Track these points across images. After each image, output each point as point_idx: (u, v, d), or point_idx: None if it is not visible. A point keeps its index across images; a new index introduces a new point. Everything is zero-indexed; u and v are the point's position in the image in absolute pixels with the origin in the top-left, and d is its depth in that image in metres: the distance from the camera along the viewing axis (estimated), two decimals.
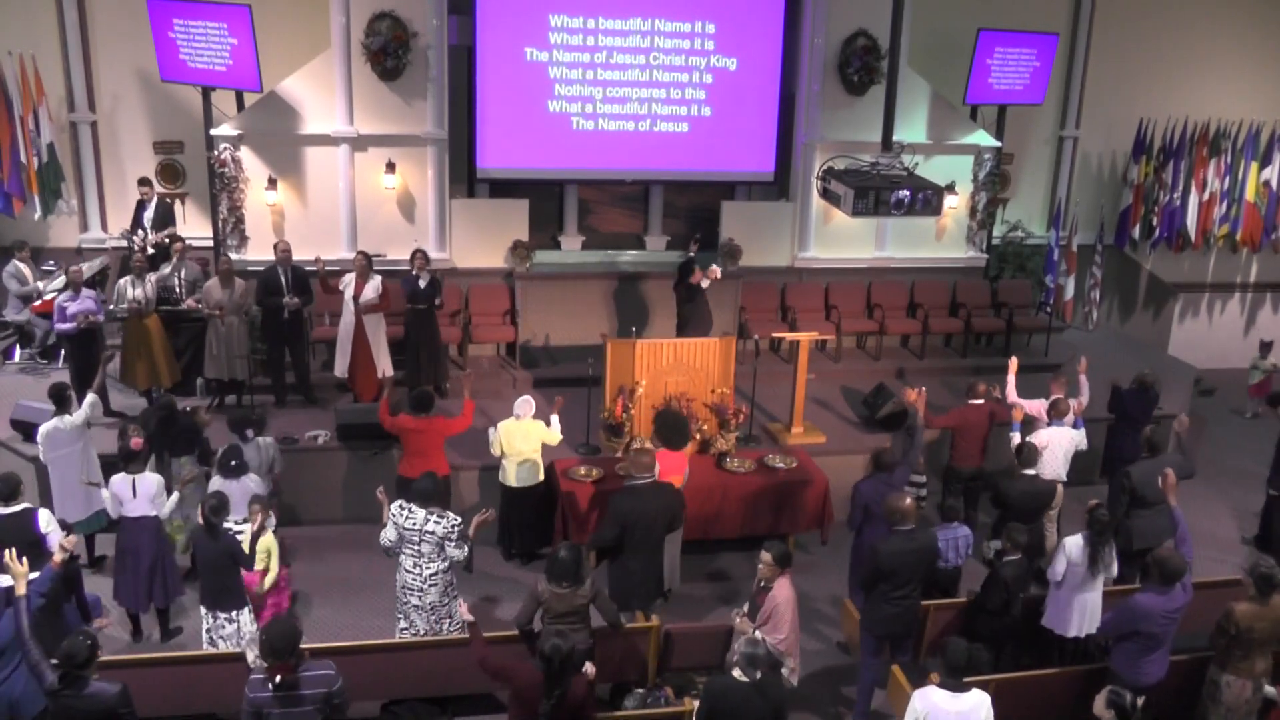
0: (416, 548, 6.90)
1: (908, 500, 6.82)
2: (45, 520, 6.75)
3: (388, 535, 6.94)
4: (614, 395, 9.25)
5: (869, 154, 9.17)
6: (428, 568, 6.92)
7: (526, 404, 8.63)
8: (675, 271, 10.77)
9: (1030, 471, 7.99)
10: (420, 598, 6.97)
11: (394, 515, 6.91)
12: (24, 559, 5.67)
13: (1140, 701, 5.37)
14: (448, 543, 6.87)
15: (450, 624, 7.10)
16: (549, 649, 5.40)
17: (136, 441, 7.53)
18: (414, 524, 6.85)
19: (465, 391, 8.71)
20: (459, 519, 6.95)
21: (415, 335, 10.19)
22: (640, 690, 6.96)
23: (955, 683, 5.56)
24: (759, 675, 5.40)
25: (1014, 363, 9.36)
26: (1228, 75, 14.25)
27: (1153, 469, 7.80)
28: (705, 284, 10.45)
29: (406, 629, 7.06)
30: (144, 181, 11.46)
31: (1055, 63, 13.01)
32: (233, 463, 7.69)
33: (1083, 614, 7.04)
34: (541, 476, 8.76)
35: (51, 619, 6.21)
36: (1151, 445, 8.23)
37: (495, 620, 7.92)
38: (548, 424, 8.66)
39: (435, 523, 6.85)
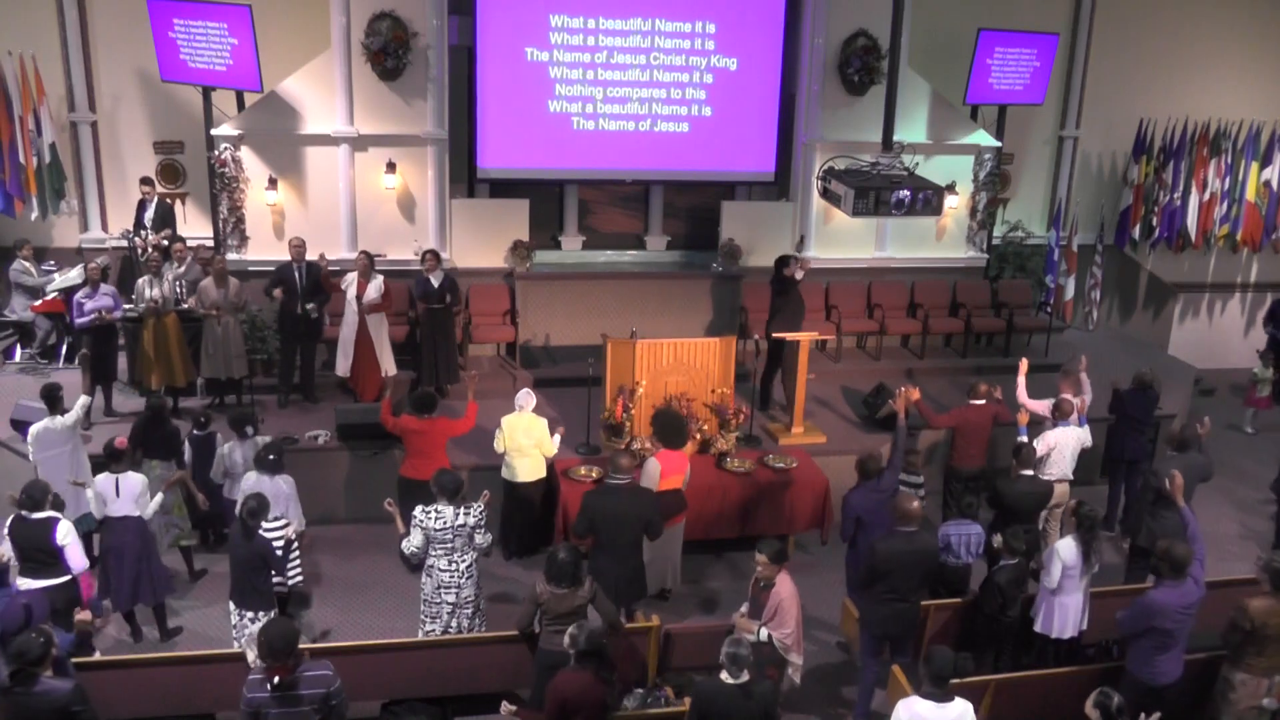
0: (450, 544, 6.91)
1: (915, 503, 6.81)
2: (63, 533, 6.78)
3: (414, 543, 6.90)
4: (614, 395, 9.25)
5: (869, 154, 9.17)
6: (462, 561, 6.97)
7: (528, 396, 8.63)
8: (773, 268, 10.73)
9: (1028, 472, 7.98)
10: (458, 594, 7.00)
11: (420, 521, 6.87)
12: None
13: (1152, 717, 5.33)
14: (477, 531, 6.93)
15: (476, 618, 7.15)
16: (585, 642, 5.44)
17: (121, 441, 7.51)
18: (445, 522, 6.86)
19: (469, 393, 8.70)
20: (482, 505, 7.02)
21: (429, 335, 10.20)
22: (640, 690, 6.96)
23: (940, 692, 5.50)
24: (745, 676, 5.40)
25: (1025, 364, 9.32)
26: (1228, 75, 14.25)
27: (1180, 467, 7.76)
28: (800, 275, 10.46)
29: (435, 631, 7.06)
30: (146, 181, 11.48)
31: (1055, 63, 13.01)
32: (271, 457, 7.71)
33: (1076, 614, 7.02)
34: (544, 473, 8.77)
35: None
36: (1180, 442, 8.16)
37: (498, 620, 7.89)
38: (554, 407, 8.66)
39: (465, 514, 6.90)
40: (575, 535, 7.32)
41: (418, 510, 6.93)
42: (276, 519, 7.35)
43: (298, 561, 7.79)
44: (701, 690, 5.55)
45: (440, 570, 6.98)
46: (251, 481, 7.62)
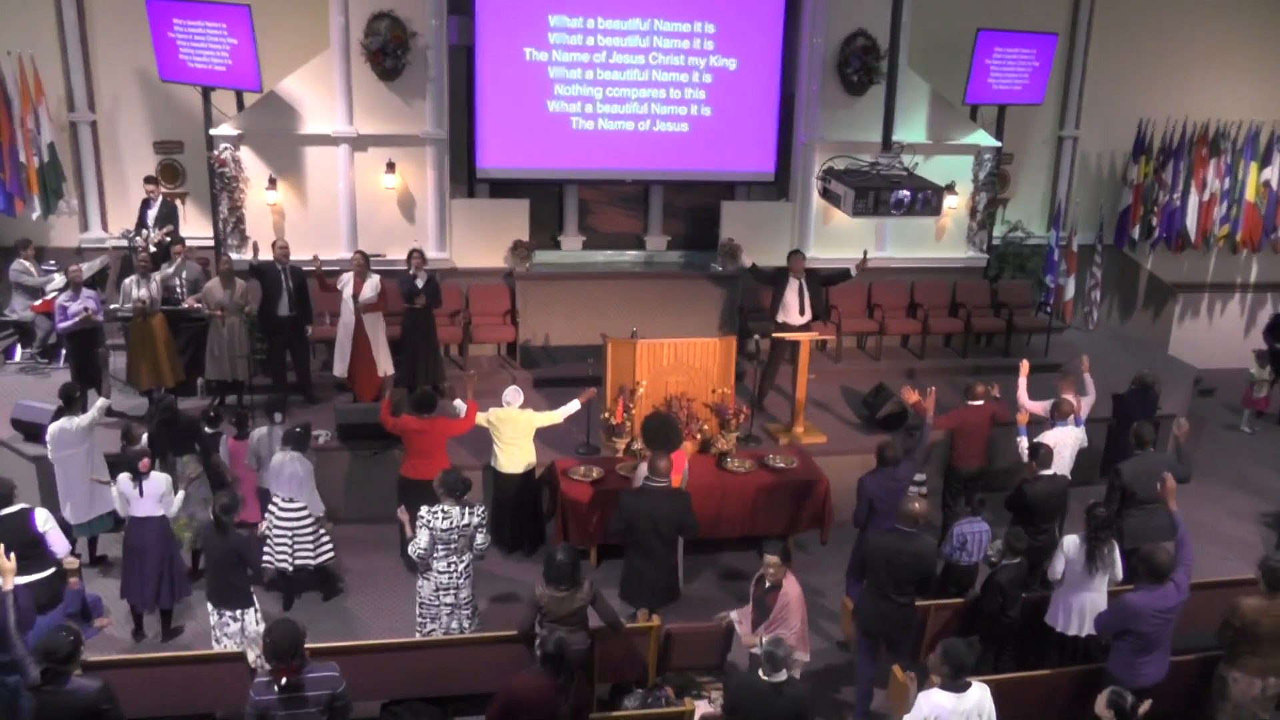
0: (454, 545, 6.91)
1: (917, 504, 6.80)
2: (42, 519, 6.81)
3: (420, 544, 6.88)
4: (614, 395, 9.24)
5: (869, 154, 9.18)
6: (461, 562, 6.98)
7: (515, 393, 8.73)
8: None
9: (1047, 471, 7.96)
10: (456, 595, 7.01)
11: (426, 521, 6.85)
12: (12, 555, 5.76)
13: (1144, 705, 5.33)
14: (479, 531, 6.94)
15: (470, 617, 7.17)
16: (553, 646, 5.44)
17: (144, 464, 7.49)
18: (451, 523, 6.86)
19: (469, 392, 8.71)
20: (483, 505, 7.06)
21: (411, 335, 10.21)
22: (640, 690, 6.97)
23: (957, 683, 5.54)
24: (783, 675, 5.43)
25: (1025, 365, 9.24)
26: (1228, 75, 14.25)
27: (1143, 466, 7.76)
28: (746, 263, 11.30)
29: (435, 632, 7.07)
30: (150, 180, 11.47)
31: (1055, 63, 13.01)
32: (298, 430, 8.02)
33: (1083, 613, 7.01)
34: (533, 462, 8.82)
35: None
36: (1139, 440, 8.15)
37: (497, 620, 7.90)
38: (554, 408, 8.84)
39: (471, 513, 6.92)
40: (610, 533, 7.42)
41: (424, 510, 6.91)
42: (290, 500, 7.74)
43: (328, 537, 8.20)
44: (736, 684, 5.63)
45: (439, 572, 6.97)
46: (278, 459, 7.92)
